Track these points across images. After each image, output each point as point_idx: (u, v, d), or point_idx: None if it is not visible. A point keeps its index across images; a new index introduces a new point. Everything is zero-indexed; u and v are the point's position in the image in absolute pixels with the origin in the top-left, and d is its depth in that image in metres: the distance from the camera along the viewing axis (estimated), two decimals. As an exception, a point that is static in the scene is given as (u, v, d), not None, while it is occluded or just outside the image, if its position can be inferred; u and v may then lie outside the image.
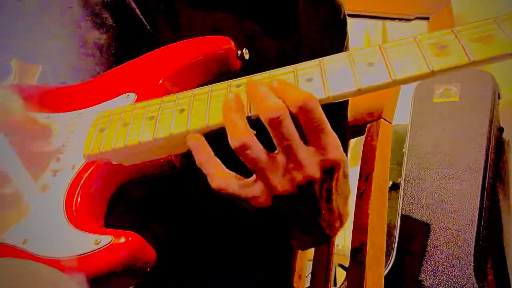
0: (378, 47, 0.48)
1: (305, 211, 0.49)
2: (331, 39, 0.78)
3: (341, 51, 0.77)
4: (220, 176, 0.47)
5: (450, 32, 0.46)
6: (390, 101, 0.90)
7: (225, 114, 0.48)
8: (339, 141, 0.47)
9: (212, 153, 0.48)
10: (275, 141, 0.46)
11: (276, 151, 0.47)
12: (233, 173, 0.48)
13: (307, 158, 0.46)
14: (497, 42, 0.43)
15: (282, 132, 0.45)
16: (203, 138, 0.49)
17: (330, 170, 0.47)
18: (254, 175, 0.47)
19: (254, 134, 0.46)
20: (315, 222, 0.51)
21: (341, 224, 0.55)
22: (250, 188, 0.47)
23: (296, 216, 0.50)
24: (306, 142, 0.46)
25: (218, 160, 0.48)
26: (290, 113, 0.45)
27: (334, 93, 0.47)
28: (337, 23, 0.80)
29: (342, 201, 0.52)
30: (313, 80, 0.48)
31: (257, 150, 0.46)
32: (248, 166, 0.47)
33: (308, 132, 0.46)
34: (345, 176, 0.50)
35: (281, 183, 0.46)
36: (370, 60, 0.47)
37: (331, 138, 0.46)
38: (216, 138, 0.50)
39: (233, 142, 0.46)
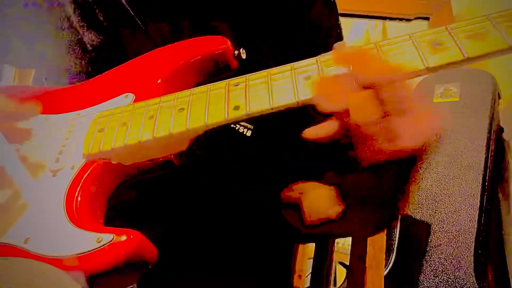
0: (374, 45, 0.48)
1: (392, 187, 0.50)
2: (325, 19, 0.78)
3: (336, 30, 0.77)
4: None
5: (445, 30, 0.46)
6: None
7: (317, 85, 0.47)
8: None
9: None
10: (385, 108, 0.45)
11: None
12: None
13: (402, 127, 0.45)
14: (491, 38, 0.44)
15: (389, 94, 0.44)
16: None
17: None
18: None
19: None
20: (394, 197, 0.51)
21: (406, 205, 0.54)
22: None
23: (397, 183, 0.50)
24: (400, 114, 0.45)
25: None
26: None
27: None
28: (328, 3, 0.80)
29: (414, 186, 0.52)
30: (311, 78, 0.49)
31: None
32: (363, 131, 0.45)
33: (399, 103, 0.45)
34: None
35: (379, 152, 0.46)
36: None
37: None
38: (215, 137, 0.50)
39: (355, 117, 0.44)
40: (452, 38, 0.45)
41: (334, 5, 0.79)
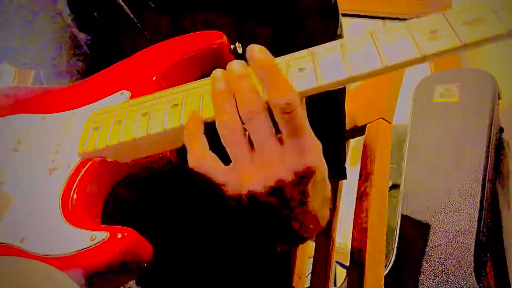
0: (369, 34, 0.47)
1: (276, 211, 0.48)
2: (326, 26, 0.78)
3: (335, 37, 0.77)
4: (198, 154, 0.47)
5: (441, 16, 0.45)
6: (390, 101, 0.90)
7: (214, 103, 0.47)
8: (319, 145, 0.46)
9: (202, 131, 0.47)
10: (249, 133, 0.45)
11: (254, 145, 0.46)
12: (213, 155, 0.47)
13: (278, 159, 0.44)
14: (489, 24, 0.42)
15: (253, 127, 0.44)
16: (199, 115, 0.48)
17: (305, 174, 0.45)
18: (231, 164, 0.47)
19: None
20: (286, 222, 0.50)
21: (318, 226, 0.53)
22: (222, 174, 0.46)
23: (266, 213, 0.49)
24: (282, 142, 0.45)
25: (205, 139, 0.47)
26: (270, 109, 0.44)
27: (326, 81, 0.46)
28: (329, 9, 0.79)
29: (320, 203, 0.50)
30: (305, 70, 0.48)
31: (239, 136, 0.45)
32: (228, 150, 0.46)
33: (286, 132, 0.44)
34: (323, 180, 0.48)
35: (253, 179, 0.45)
36: (362, 48, 0.47)
37: (310, 142, 0.45)
38: (209, 132, 0.49)
39: (220, 128, 0.45)
40: (449, 24, 0.44)
41: (335, 14, 0.78)
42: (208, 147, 0.47)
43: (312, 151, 0.45)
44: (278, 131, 0.45)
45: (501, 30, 0.42)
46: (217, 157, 0.47)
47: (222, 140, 0.46)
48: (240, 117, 0.45)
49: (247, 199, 0.47)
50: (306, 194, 0.47)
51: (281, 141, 0.45)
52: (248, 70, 0.47)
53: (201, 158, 0.47)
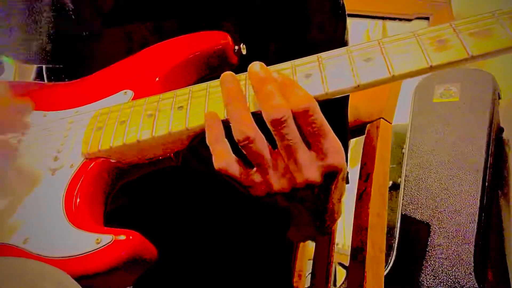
0: (377, 42, 0.47)
1: (300, 209, 0.50)
2: (333, 31, 0.78)
3: (342, 43, 0.77)
4: (224, 157, 0.47)
5: (449, 27, 0.45)
6: (390, 101, 0.90)
7: (229, 104, 0.48)
8: (341, 146, 0.47)
9: (223, 133, 0.48)
10: (276, 139, 0.46)
11: (277, 149, 0.47)
12: (237, 158, 0.48)
13: (307, 162, 0.45)
14: (496, 36, 0.43)
15: (283, 132, 0.45)
16: (219, 119, 0.49)
17: (331, 175, 0.47)
18: (255, 168, 0.48)
19: None
20: (308, 219, 0.51)
21: (334, 221, 0.55)
22: (249, 177, 0.47)
23: (290, 212, 0.50)
24: (307, 145, 0.46)
25: (227, 142, 0.48)
26: (293, 114, 0.45)
27: (332, 89, 0.47)
28: (337, 14, 0.79)
29: (337, 199, 0.52)
30: (311, 76, 0.48)
31: (261, 144, 0.46)
32: (249, 159, 0.47)
33: (309, 136, 0.45)
34: (344, 178, 0.50)
35: (279, 182, 0.47)
36: (369, 56, 0.47)
37: (333, 142, 0.46)
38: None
39: (237, 135, 0.46)
40: (457, 35, 0.44)
41: (342, 19, 0.79)
42: (231, 150, 0.48)
43: (338, 152, 0.46)
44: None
45: (509, 43, 0.42)
46: (241, 160, 0.48)
47: (245, 152, 0.46)
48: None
49: (272, 199, 0.48)
50: (330, 192, 0.49)
51: (307, 145, 0.46)
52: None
53: (227, 162, 0.47)
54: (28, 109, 0.62)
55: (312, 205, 0.49)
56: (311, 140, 0.45)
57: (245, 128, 0.46)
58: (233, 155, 0.48)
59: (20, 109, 0.61)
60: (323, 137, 0.45)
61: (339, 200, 0.53)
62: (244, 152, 0.46)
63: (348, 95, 0.80)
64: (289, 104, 0.45)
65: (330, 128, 0.46)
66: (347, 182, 0.83)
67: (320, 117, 0.45)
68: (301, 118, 0.45)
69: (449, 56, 0.44)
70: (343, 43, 0.78)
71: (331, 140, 0.46)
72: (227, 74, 0.49)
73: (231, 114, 0.47)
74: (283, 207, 0.50)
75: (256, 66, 0.48)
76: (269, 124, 0.45)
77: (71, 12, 0.73)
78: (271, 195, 0.48)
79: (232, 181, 0.49)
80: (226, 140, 0.48)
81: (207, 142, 0.48)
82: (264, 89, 0.46)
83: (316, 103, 0.45)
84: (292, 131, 0.45)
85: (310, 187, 0.46)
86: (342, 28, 0.78)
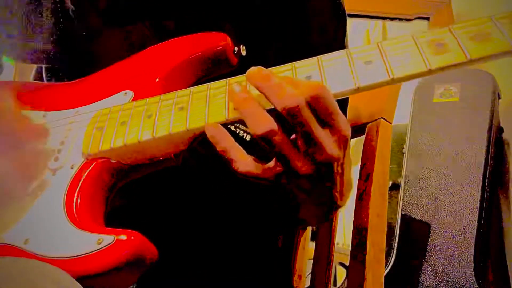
0: (376, 45, 0.48)
1: (323, 187, 0.51)
2: (333, 33, 0.78)
3: (342, 45, 0.77)
4: (245, 161, 0.49)
5: (447, 30, 0.46)
6: (390, 101, 0.90)
7: (242, 105, 0.48)
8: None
9: (233, 139, 0.49)
10: (294, 128, 0.47)
11: (294, 136, 0.48)
12: (253, 157, 0.50)
13: (326, 140, 0.47)
14: (494, 40, 0.43)
15: (301, 119, 0.46)
16: (221, 126, 0.49)
17: (345, 146, 0.49)
18: (274, 159, 0.49)
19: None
20: (330, 194, 0.53)
21: (350, 191, 0.58)
22: (272, 171, 0.49)
23: (314, 192, 0.52)
24: (322, 125, 0.47)
25: (239, 145, 0.49)
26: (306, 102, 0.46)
27: (332, 91, 0.47)
28: (338, 16, 0.80)
29: (349, 169, 0.54)
30: (311, 78, 0.49)
31: (281, 134, 0.47)
32: (270, 152, 0.48)
33: (323, 117, 0.47)
34: (350, 146, 0.52)
35: (303, 166, 0.48)
36: (368, 58, 0.47)
37: (341, 116, 0.48)
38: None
39: (259, 130, 0.46)
40: (455, 39, 0.45)
41: (342, 22, 0.79)
42: (245, 151, 0.50)
43: (346, 124, 0.48)
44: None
45: (507, 47, 0.43)
46: (256, 158, 0.50)
47: (266, 148, 0.48)
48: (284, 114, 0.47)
49: (298, 182, 0.50)
50: (343, 165, 0.51)
51: (321, 123, 0.47)
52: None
53: (251, 163, 0.49)
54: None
55: (333, 180, 0.51)
56: (326, 119, 0.47)
57: (266, 122, 0.47)
58: (250, 156, 0.49)
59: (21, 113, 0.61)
60: (334, 114, 0.47)
61: (350, 172, 0.55)
62: (266, 147, 0.47)
63: (347, 102, 0.81)
64: (301, 92, 0.46)
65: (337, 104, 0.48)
66: None
67: (331, 97, 0.47)
68: (313, 103, 0.46)
69: (448, 59, 0.44)
70: (343, 45, 0.78)
71: (340, 114, 0.48)
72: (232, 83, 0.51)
73: (246, 114, 0.48)
74: (307, 189, 0.51)
75: (253, 68, 0.49)
76: (285, 114, 0.46)
77: (71, 13, 0.73)
78: (297, 179, 0.49)
79: (255, 180, 0.50)
80: (237, 144, 0.49)
81: (220, 151, 0.49)
82: (272, 83, 0.47)
83: (325, 86, 0.47)
84: (309, 117, 0.46)
85: (332, 162, 0.48)
86: (342, 30, 0.78)
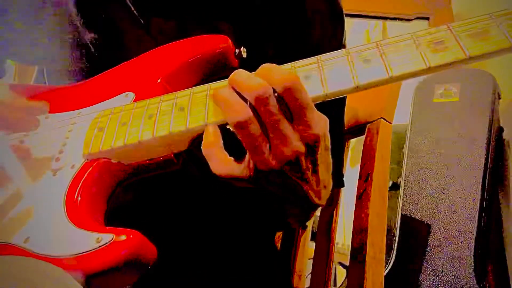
0: (375, 44, 0.48)
1: (294, 183, 0.51)
2: (332, 33, 0.78)
3: (341, 45, 0.77)
4: (225, 163, 0.49)
5: (446, 29, 0.46)
6: (390, 101, 0.90)
7: (219, 92, 0.49)
8: (324, 117, 0.49)
9: (221, 142, 0.50)
10: (262, 117, 0.47)
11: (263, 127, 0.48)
12: (232, 158, 0.50)
13: (291, 134, 0.47)
14: (493, 37, 0.44)
15: (268, 109, 0.46)
16: (218, 130, 0.50)
17: (314, 143, 0.49)
18: (246, 156, 0.49)
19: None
20: (303, 192, 0.53)
21: (327, 192, 0.57)
22: (248, 167, 0.49)
23: (286, 188, 0.52)
24: (290, 119, 0.48)
25: (223, 149, 0.50)
26: (274, 92, 0.47)
27: (332, 90, 0.48)
28: (336, 16, 0.80)
29: (325, 170, 0.54)
30: (311, 77, 0.49)
31: (256, 123, 0.47)
32: (245, 143, 0.48)
33: (293, 110, 0.47)
34: (327, 148, 0.52)
35: (271, 158, 0.48)
36: (368, 57, 0.47)
37: (314, 114, 0.48)
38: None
39: (237, 117, 0.47)
40: (454, 37, 0.45)
41: (340, 22, 0.79)
42: (228, 154, 0.50)
43: (318, 123, 0.48)
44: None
45: (506, 44, 0.43)
46: (232, 158, 0.50)
47: (241, 137, 0.48)
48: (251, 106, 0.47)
49: (269, 178, 0.50)
50: (316, 162, 0.51)
51: (289, 119, 0.48)
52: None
53: (230, 165, 0.50)
54: (43, 110, 0.63)
55: (303, 176, 0.51)
56: (295, 114, 0.47)
57: (243, 109, 0.47)
58: (230, 157, 0.50)
59: (31, 110, 0.62)
60: (306, 110, 0.47)
61: (327, 172, 0.55)
62: (240, 137, 0.48)
63: (345, 103, 0.81)
64: (272, 83, 0.46)
65: (312, 102, 0.48)
66: (343, 185, 0.84)
67: (304, 93, 0.47)
68: (285, 95, 0.46)
69: (447, 57, 0.45)
70: (342, 44, 0.78)
71: (313, 112, 0.48)
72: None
73: (224, 101, 0.48)
74: (278, 184, 0.51)
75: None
76: (253, 102, 0.47)
77: (71, 16, 0.73)
78: (267, 175, 0.49)
79: (232, 181, 0.50)
80: (222, 147, 0.50)
81: (202, 150, 0.50)
82: (241, 75, 0.48)
83: (299, 79, 0.47)
84: (275, 108, 0.47)
85: (298, 156, 0.48)
86: (341, 30, 0.78)
